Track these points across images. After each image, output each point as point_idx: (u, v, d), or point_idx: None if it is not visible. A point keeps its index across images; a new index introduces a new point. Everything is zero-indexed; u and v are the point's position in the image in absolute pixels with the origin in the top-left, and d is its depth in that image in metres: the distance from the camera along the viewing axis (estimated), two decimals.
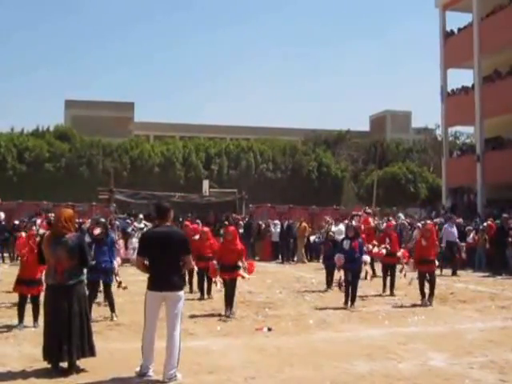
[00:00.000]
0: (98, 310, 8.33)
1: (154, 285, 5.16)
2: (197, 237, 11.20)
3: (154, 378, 5.11)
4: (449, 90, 26.34)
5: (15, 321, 7.77)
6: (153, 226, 6.01)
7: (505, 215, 16.25)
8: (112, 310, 8.13)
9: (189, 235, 12.40)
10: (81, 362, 5.36)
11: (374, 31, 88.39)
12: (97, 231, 8.26)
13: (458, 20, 27.00)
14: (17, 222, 18.52)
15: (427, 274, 9.61)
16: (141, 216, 19.53)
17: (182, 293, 5.26)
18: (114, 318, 8.02)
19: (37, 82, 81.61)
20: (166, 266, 5.15)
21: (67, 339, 5.20)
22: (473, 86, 24.65)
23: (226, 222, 19.74)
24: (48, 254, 5.38)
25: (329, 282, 11.38)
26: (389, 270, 10.97)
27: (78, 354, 5.26)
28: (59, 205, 22.20)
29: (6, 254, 17.97)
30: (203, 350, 6.27)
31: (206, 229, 10.87)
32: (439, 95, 26.53)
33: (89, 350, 5.35)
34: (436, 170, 34.82)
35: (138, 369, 5.19)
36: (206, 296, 10.27)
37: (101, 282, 8.16)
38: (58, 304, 5.25)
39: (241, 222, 19.98)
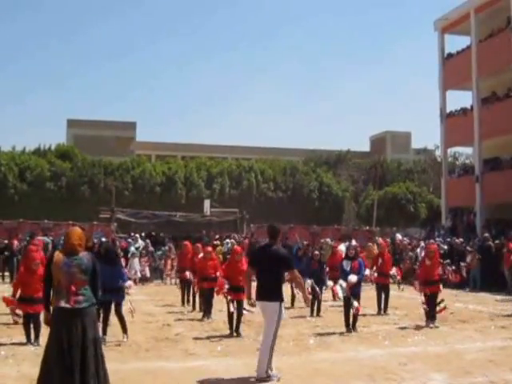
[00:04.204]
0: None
1: (257, 295, 6.02)
2: (201, 255, 11.21)
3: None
4: (448, 111, 26.60)
5: (15, 340, 7.77)
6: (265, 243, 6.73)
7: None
8: (124, 330, 7.99)
9: (184, 254, 12.52)
10: None
11: (375, 53, 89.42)
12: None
13: (456, 43, 27.57)
14: (15, 242, 18.51)
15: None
16: (137, 235, 19.83)
17: (277, 304, 5.84)
18: (125, 339, 7.88)
19: (39, 101, 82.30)
20: (266, 279, 5.93)
21: (81, 368, 4.60)
22: (471, 107, 24.90)
23: (218, 242, 20.02)
24: (59, 274, 4.83)
25: (313, 309, 10.57)
26: (382, 290, 11.00)
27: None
28: (60, 224, 22.30)
29: (6, 273, 17.98)
30: (204, 370, 6.26)
31: (209, 249, 10.75)
32: (438, 116, 26.80)
33: (104, 379, 4.79)
34: (436, 191, 34.91)
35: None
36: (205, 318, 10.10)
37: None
38: (71, 329, 4.65)
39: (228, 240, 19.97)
